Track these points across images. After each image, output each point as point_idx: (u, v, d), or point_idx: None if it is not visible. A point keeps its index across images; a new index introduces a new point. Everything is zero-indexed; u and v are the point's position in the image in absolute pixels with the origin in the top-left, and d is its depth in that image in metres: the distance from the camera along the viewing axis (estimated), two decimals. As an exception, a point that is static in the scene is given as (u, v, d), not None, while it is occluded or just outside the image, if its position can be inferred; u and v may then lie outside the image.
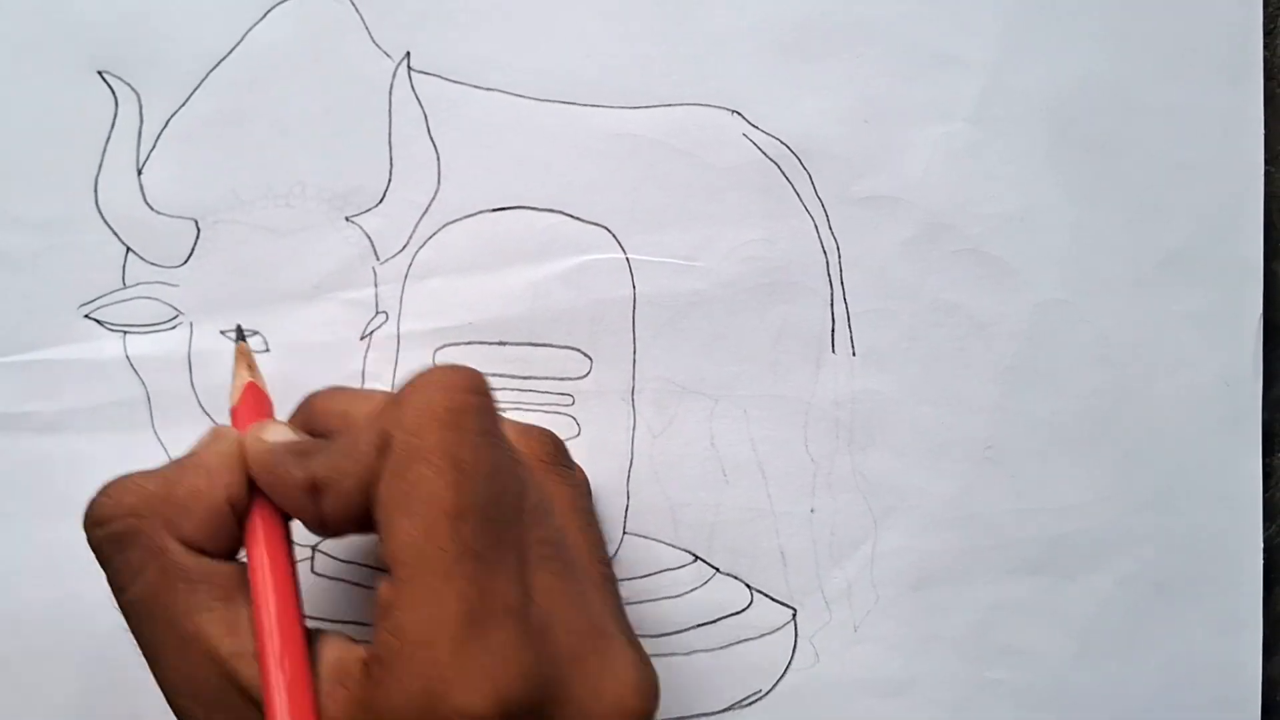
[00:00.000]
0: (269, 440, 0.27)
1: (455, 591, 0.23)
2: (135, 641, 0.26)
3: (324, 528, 0.26)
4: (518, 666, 0.23)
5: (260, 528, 0.27)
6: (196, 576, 0.25)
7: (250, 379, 0.30)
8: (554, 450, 0.30)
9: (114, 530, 0.26)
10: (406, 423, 0.24)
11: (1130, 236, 0.35)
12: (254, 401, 0.30)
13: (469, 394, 0.25)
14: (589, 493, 0.31)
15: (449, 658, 0.23)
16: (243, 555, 0.27)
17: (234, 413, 0.29)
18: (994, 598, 0.35)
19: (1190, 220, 0.35)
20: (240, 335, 0.32)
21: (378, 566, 0.34)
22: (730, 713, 0.35)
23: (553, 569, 0.25)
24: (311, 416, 0.30)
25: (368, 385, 0.34)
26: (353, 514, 0.25)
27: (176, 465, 0.27)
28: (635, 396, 0.35)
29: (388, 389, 0.33)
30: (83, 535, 0.34)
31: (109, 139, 0.34)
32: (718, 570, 0.35)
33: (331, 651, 0.25)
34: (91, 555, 0.34)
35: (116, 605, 0.26)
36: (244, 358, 0.31)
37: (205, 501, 0.26)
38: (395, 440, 0.24)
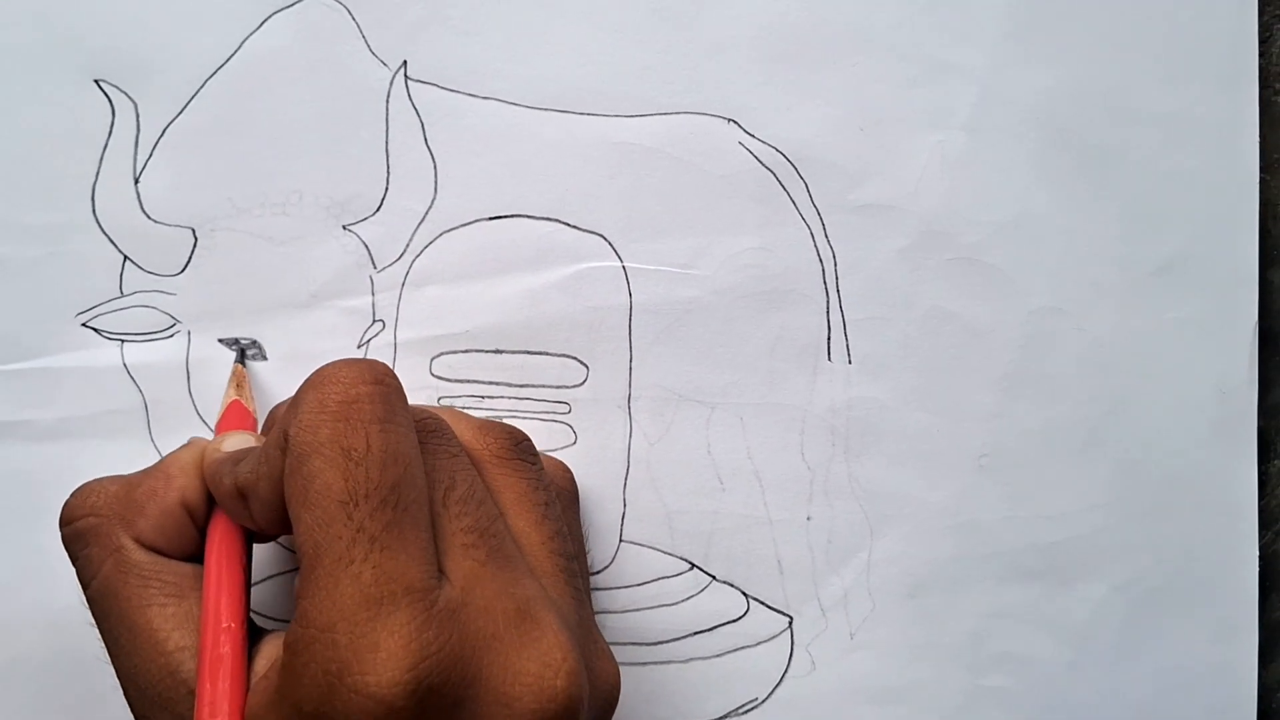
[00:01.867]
0: (222, 449, 0.29)
1: (350, 575, 0.23)
2: (100, 636, 0.27)
3: (260, 530, 0.28)
4: (419, 645, 0.23)
5: (217, 530, 0.28)
6: (148, 572, 0.27)
7: (236, 397, 0.32)
8: (510, 445, 0.30)
9: (78, 528, 0.28)
10: (301, 420, 0.25)
11: (1126, 244, 0.35)
12: (236, 419, 0.31)
13: (362, 385, 0.25)
14: (556, 488, 0.31)
15: (347, 639, 0.23)
16: None
17: (217, 429, 0.31)
18: (990, 605, 0.35)
19: (1186, 228, 0.35)
20: (241, 356, 0.33)
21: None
22: (727, 720, 0.35)
23: (477, 556, 0.26)
24: (271, 426, 0.31)
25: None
26: (276, 516, 0.26)
27: (143, 471, 0.29)
28: (632, 404, 0.35)
29: None
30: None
31: (106, 147, 0.34)
32: (714, 578, 0.35)
33: (269, 648, 0.26)
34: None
35: (83, 597, 0.28)
36: (235, 378, 0.32)
37: (160, 503, 0.28)
38: (291, 438, 0.25)
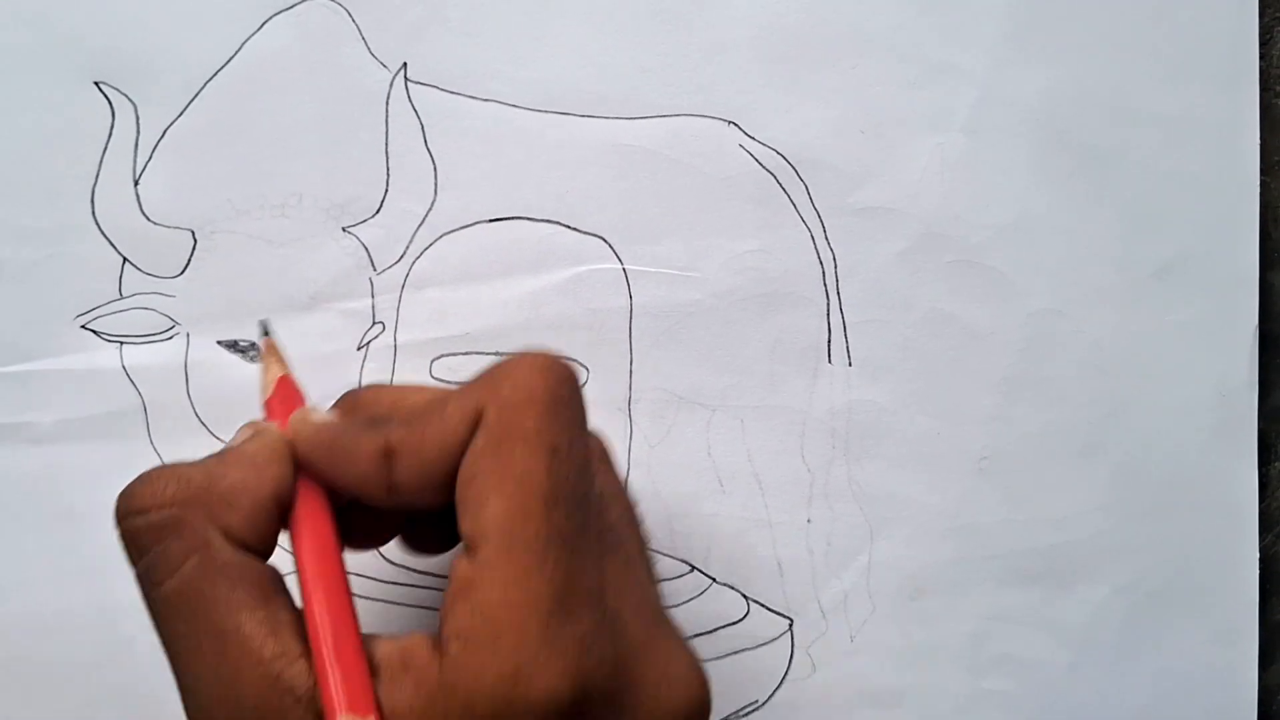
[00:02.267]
0: (319, 420, 0.27)
1: (546, 575, 0.23)
2: (162, 641, 0.24)
3: (391, 494, 0.26)
4: (599, 652, 0.23)
5: (307, 521, 0.26)
6: (239, 574, 0.24)
7: (283, 372, 0.29)
8: (605, 448, 0.29)
9: (154, 520, 0.24)
10: (505, 400, 0.24)
11: (1126, 246, 0.35)
12: (288, 393, 0.29)
13: (565, 387, 0.25)
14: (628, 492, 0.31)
15: (538, 640, 0.23)
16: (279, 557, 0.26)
17: (268, 405, 0.28)
18: (990, 608, 0.35)
19: (1186, 230, 0.35)
20: (265, 330, 0.31)
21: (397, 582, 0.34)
22: (727, 723, 0.35)
23: (618, 559, 0.26)
24: (356, 408, 0.29)
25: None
26: (428, 482, 0.25)
27: (217, 459, 0.26)
28: (632, 406, 0.35)
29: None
30: (85, 544, 0.34)
31: (105, 149, 0.34)
32: (714, 580, 0.35)
33: (383, 646, 0.24)
34: (94, 565, 0.34)
35: (145, 599, 0.25)
36: (273, 352, 0.30)
37: (252, 495, 0.25)
38: (491, 416, 0.24)
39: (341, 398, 0.29)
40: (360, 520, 0.28)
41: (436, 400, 0.26)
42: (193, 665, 0.24)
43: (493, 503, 0.23)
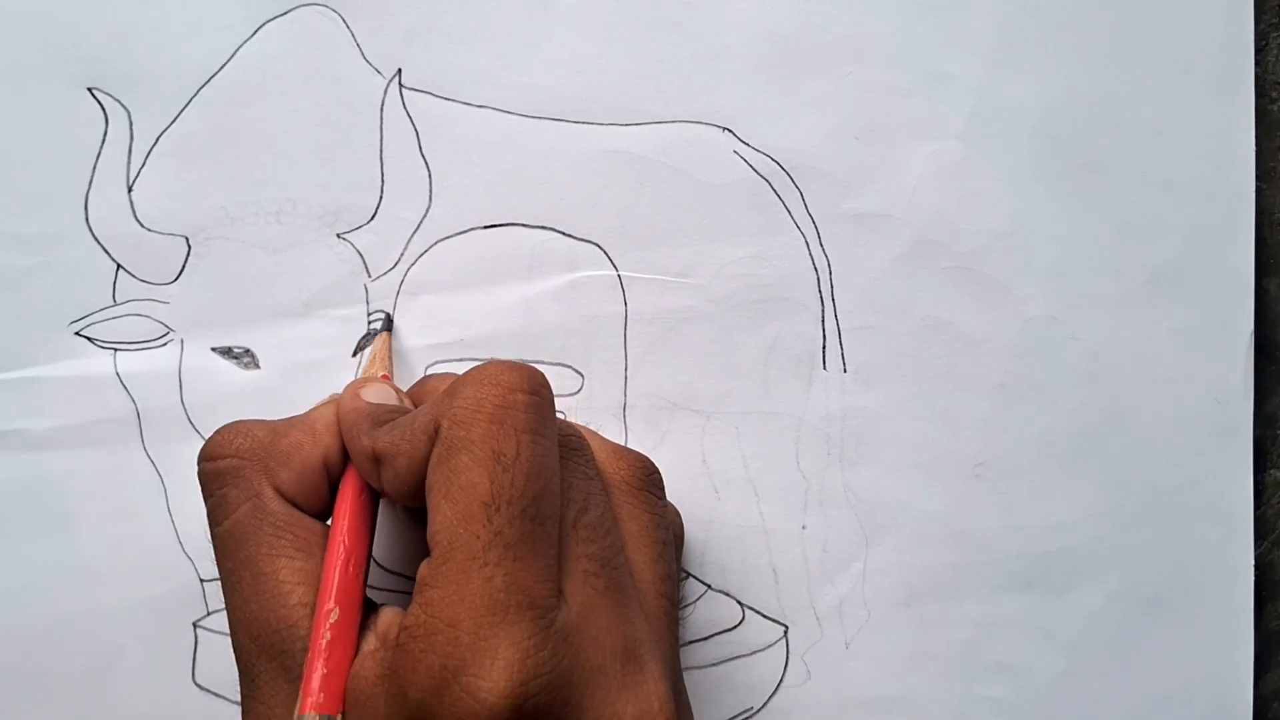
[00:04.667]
0: (361, 400, 0.29)
1: (483, 577, 0.24)
2: (220, 573, 0.27)
3: (387, 495, 0.28)
4: (534, 661, 0.24)
5: (349, 490, 0.28)
6: (283, 523, 0.27)
7: (383, 372, 0.32)
8: (644, 476, 0.30)
9: (219, 467, 0.28)
10: (455, 414, 0.25)
11: (1121, 253, 0.35)
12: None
13: (519, 392, 0.26)
14: (672, 528, 0.31)
15: (469, 639, 0.23)
16: None
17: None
18: (985, 614, 0.35)
19: (1181, 237, 0.35)
20: (388, 323, 0.34)
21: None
22: (721, 729, 0.35)
23: (596, 586, 0.26)
24: (424, 393, 0.31)
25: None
26: (406, 490, 0.27)
27: (288, 421, 0.29)
28: (627, 413, 0.35)
29: None
30: (79, 551, 0.34)
31: (99, 156, 0.34)
32: (709, 587, 0.35)
33: (386, 617, 0.26)
34: (88, 573, 0.34)
35: (210, 534, 0.28)
36: (386, 348, 0.33)
37: (304, 457, 0.28)
38: (443, 429, 0.26)
39: (417, 383, 0.32)
40: None
41: (421, 410, 0.27)
42: (234, 596, 0.27)
43: (443, 509, 0.25)
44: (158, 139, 0.34)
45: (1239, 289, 0.35)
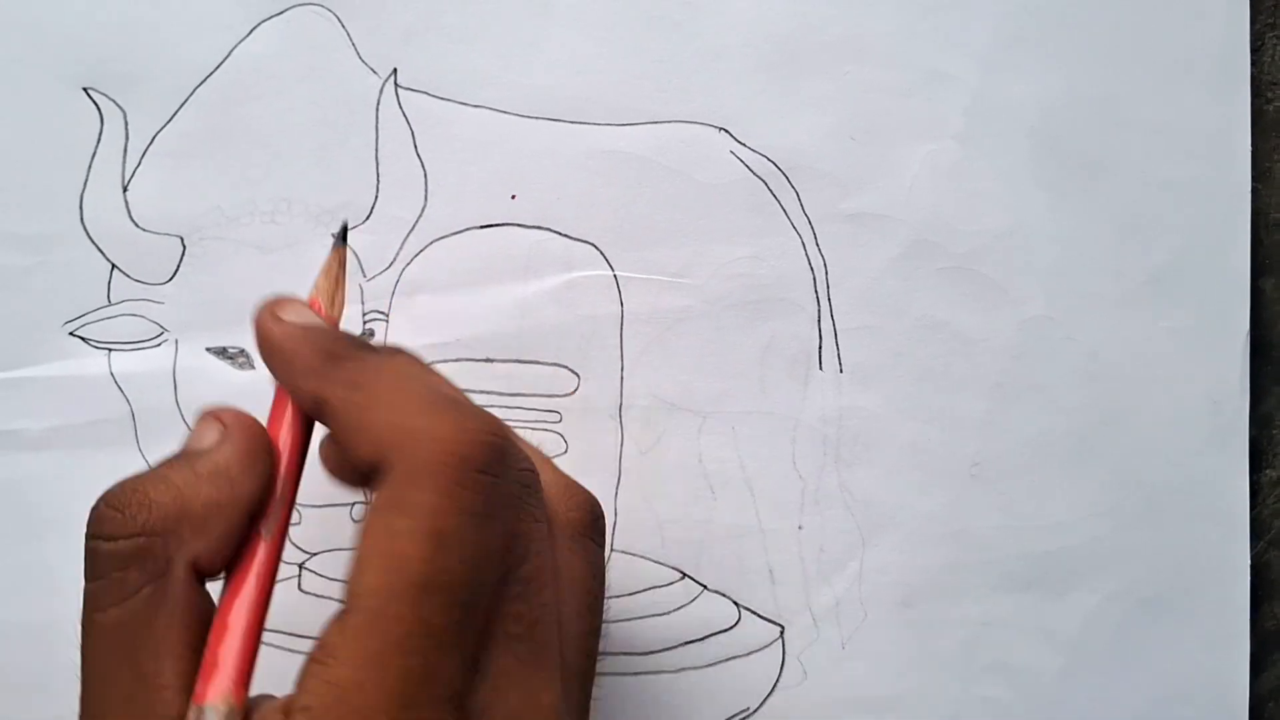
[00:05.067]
0: (288, 324, 0.25)
1: (402, 666, 0.21)
2: (83, 661, 0.23)
3: (334, 445, 0.25)
4: None
5: (256, 558, 0.24)
6: (182, 612, 0.23)
7: (339, 291, 0.27)
8: (590, 522, 0.27)
9: (120, 549, 0.23)
10: (409, 461, 0.22)
11: (1117, 253, 0.35)
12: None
13: (482, 456, 0.23)
14: (603, 575, 0.28)
15: None
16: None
17: (313, 304, 0.27)
18: (982, 614, 0.35)
19: (1178, 237, 0.35)
20: (344, 237, 0.28)
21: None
22: (718, 730, 0.35)
23: (518, 651, 0.23)
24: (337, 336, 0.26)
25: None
26: (341, 471, 0.24)
27: (187, 467, 0.24)
28: (623, 413, 0.35)
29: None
30: (74, 552, 0.34)
31: (94, 156, 0.34)
32: (705, 587, 0.35)
33: (262, 708, 0.23)
34: (81, 570, 0.34)
35: (83, 616, 0.23)
36: (331, 264, 0.27)
37: (224, 519, 0.23)
38: (391, 476, 0.22)
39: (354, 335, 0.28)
40: None
41: (370, 398, 0.24)
42: (103, 696, 0.23)
43: (369, 572, 0.22)
44: (153, 139, 0.34)
45: (1235, 289, 0.35)
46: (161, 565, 0.23)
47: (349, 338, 0.25)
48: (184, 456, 0.24)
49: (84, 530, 0.24)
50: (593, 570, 0.27)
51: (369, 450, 0.23)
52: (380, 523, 0.22)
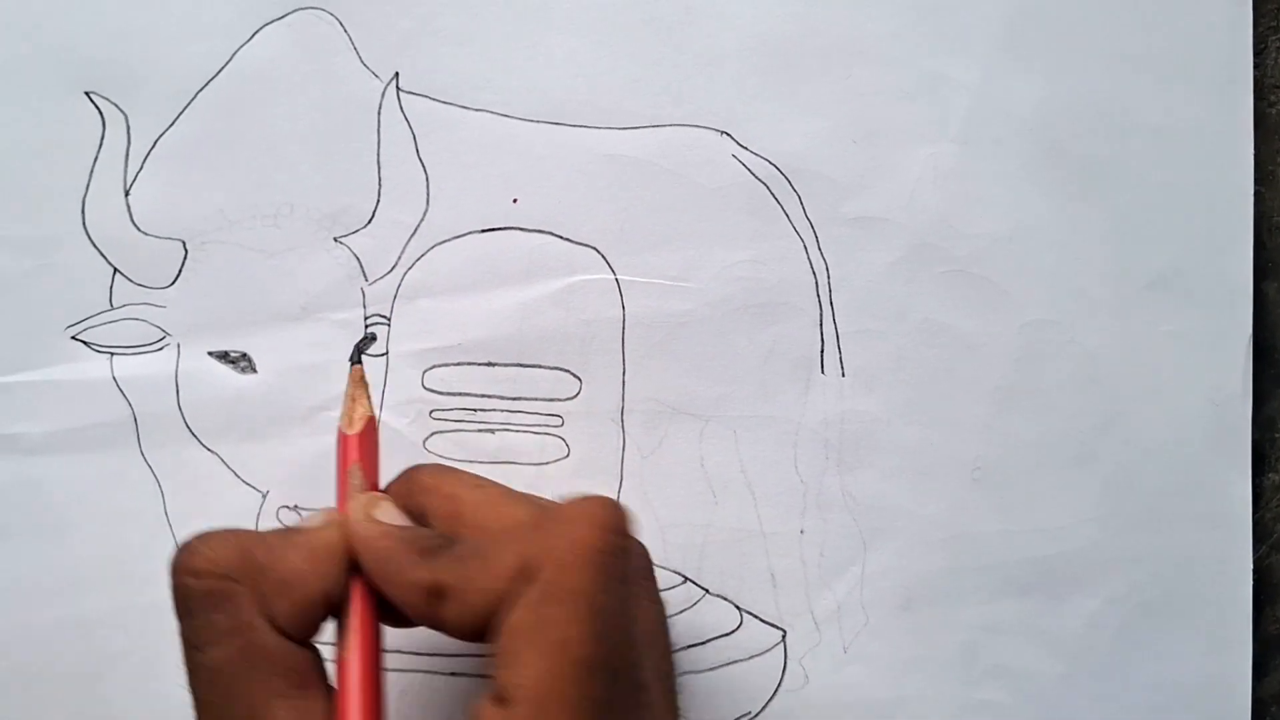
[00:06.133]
0: (385, 525, 0.27)
1: None
2: (195, 700, 0.25)
3: (437, 628, 0.26)
4: None
5: (356, 628, 0.26)
6: (279, 662, 0.25)
7: (370, 413, 0.29)
8: (648, 563, 0.29)
9: (205, 586, 0.25)
10: (558, 557, 0.24)
11: (1119, 257, 0.35)
12: (369, 438, 0.29)
13: (618, 535, 0.25)
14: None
15: None
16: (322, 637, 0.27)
17: (344, 440, 0.28)
18: (983, 618, 0.35)
19: (1180, 240, 0.35)
20: (358, 355, 0.32)
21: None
22: (720, 734, 0.35)
23: (652, 706, 0.25)
24: (413, 490, 0.29)
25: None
26: (470, 626, 0.25)
27: (284, 537, 0.26)
28: (625, 417, 0.35)
29: (500, 482, 0.30)
30: (76, 555, 0.34)
31: (96, 160, 0.34)
32: (707, 591, 0.35)
33: None
34: (85, 577, 0.34)
35: (185, 655, 0.25)
36: (363, 384, 0.29)
37: (304, 588, 0.25)
38: (543, 573, 0.24)
39: (401, 475, 0.29)
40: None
41: (489, 540, 0.26)
42: None
43: (533, 661, 0.23)
44: (155, 143, 0.34)
45: (1238, 293, 0.35)
46: (245, 616, 0.25)
47: (434, 535, 0.27)
48: (288, 529, 0.27)
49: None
50: (658, 610, 0.28)
51: (503, 573, 0.25)
52: (533, 617, 0.24)
